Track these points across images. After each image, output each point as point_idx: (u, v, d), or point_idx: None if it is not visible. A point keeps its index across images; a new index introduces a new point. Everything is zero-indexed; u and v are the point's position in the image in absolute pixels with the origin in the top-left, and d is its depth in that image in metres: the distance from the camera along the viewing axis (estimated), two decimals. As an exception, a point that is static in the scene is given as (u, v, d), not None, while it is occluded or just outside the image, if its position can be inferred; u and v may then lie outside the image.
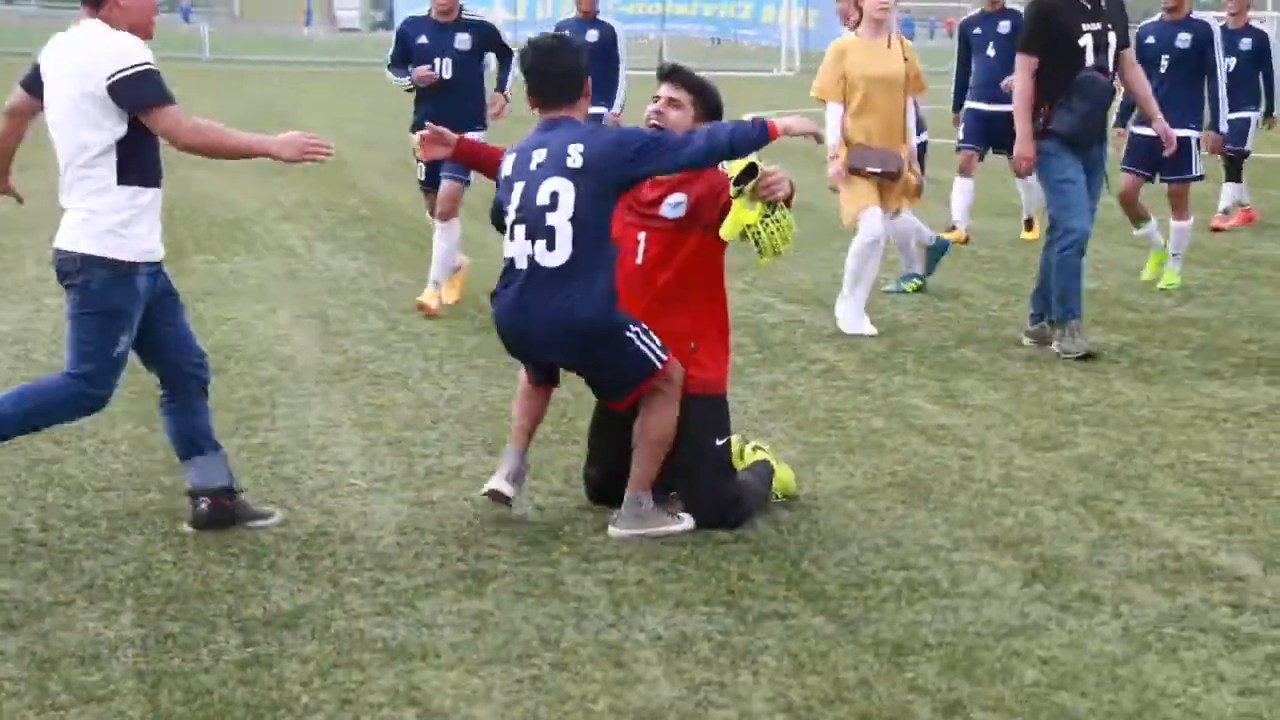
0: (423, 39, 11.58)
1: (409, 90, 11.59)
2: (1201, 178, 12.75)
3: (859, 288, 10.86)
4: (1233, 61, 15.14)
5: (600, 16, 15.13)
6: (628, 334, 6.52)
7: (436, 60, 11.48)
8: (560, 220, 6.44)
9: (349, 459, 7.61)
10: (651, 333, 6.58)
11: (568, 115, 6.66)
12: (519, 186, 6.56)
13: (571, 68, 6.69)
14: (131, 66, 6.15)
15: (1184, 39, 12.54)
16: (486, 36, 11.62)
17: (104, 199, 6.25)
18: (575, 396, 8.03)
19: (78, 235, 6.28)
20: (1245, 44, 15.39)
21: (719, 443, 6.80)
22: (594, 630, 5.58)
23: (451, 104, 11.20)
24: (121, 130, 6.21)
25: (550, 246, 6.44)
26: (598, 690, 5.10)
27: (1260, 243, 15.79)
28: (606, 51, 14.55)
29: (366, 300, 11.86)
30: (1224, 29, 15.26)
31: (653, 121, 6.80)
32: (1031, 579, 6.15)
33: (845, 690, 5.13)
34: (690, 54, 56.51)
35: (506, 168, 6.68)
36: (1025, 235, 15.46)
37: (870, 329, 10.72)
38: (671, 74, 6.89)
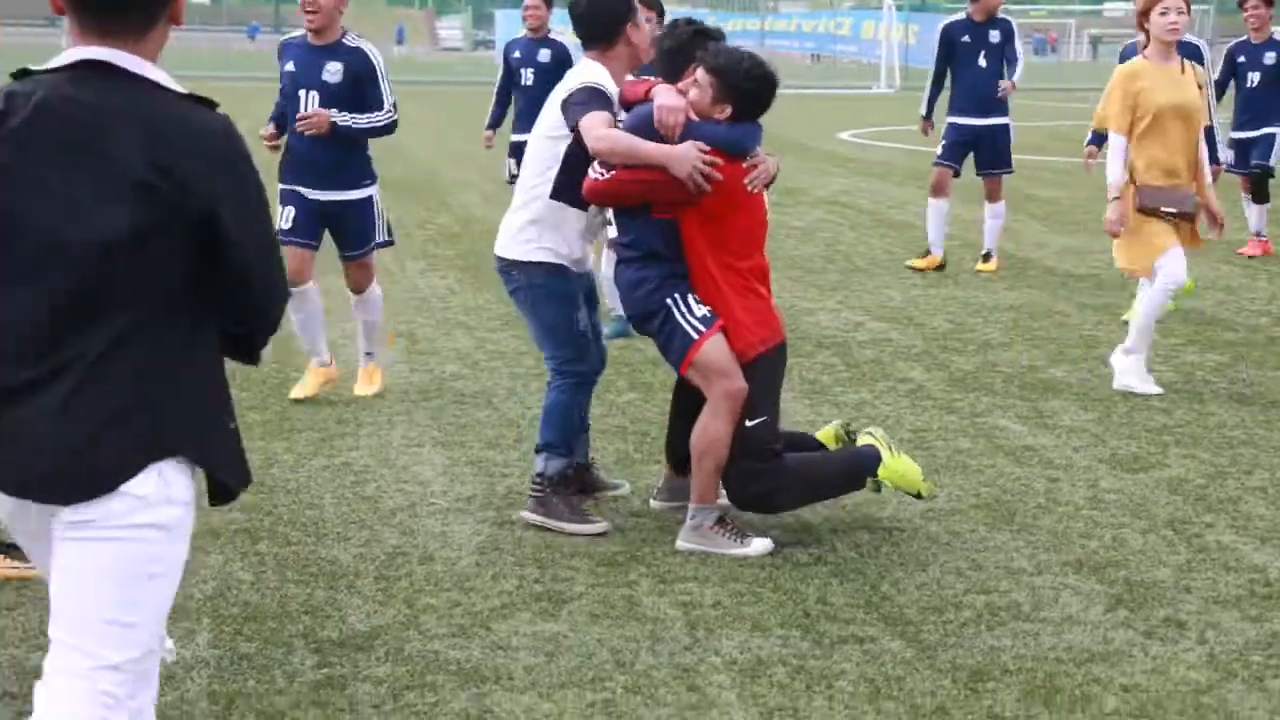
0: (290, 65, 9.00)
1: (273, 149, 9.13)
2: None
3: (1145, 341, 9.77)
4: (1256, 76, 15.03)
5: (553, 35, 13.11)
6: (667, 302, 6.62)
7: (301, 94, 8.92)
8: None
9: (430, 479, 7.61)
10: (694, 304, 6.60)
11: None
12: None
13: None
14: (582, 85, 6.66)
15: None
16: (360, 70, 8.96)
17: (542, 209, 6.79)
18: (660, 415, 7.99)
19: (511, 243, 6.87)
20: (1269, 58, 15.16)
21: (749, 424, 6.62)
22: (669, 653, 5.54)
23: (323, 153, 8.88)
24: (563, 148, 6.71)
25: (608, 222, 6.87)
26: (670, 714, 5.06)
27: (1363, 260, 15.53)
28: (562, 71, 12.68)
29: (455, 318, 11.88)
30: (1245, 43, 15.18)
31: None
32: (1115, 604, 6.05)
33: (921, 716, 5.06)
34: (789, 71, 56.13)
35: None
36: (981, 267, 14.51)
37: (1155, 388, 9.66)
38: (701, 58, 6.88)
